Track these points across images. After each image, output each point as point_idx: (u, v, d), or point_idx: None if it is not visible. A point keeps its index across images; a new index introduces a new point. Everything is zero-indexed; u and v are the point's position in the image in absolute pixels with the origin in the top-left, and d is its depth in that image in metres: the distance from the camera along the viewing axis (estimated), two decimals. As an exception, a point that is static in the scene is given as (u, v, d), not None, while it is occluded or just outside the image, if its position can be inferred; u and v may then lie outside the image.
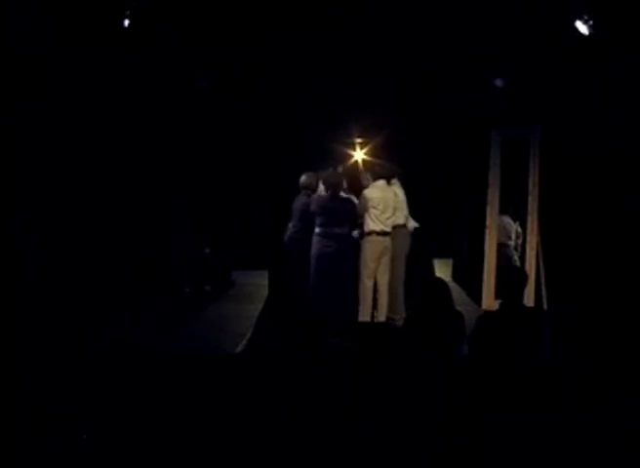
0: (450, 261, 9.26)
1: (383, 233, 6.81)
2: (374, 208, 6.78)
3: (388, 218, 6.85)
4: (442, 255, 8.81)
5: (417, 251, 7.25)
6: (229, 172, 8.02)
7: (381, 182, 6.89)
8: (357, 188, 7.08)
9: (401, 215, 7.00)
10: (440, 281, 4.61)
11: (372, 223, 6.78)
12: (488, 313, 5.79)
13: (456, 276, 8.89)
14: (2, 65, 5.47)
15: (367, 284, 6.77)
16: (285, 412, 3.06)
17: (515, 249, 7.96)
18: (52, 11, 5.81)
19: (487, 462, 3.04)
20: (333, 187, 6.76)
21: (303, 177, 7.05)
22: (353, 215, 6.79)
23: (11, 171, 5.59)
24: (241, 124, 7.77)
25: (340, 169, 7.23)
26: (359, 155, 8.13)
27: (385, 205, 6.83)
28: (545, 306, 7.06)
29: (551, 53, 6.84)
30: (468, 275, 8.22)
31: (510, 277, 4.59)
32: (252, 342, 6.30)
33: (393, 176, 7.06)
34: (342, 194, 6.86)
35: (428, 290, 4.41)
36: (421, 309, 4.33)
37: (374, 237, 6.78)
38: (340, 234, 6.63)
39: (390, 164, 7.15)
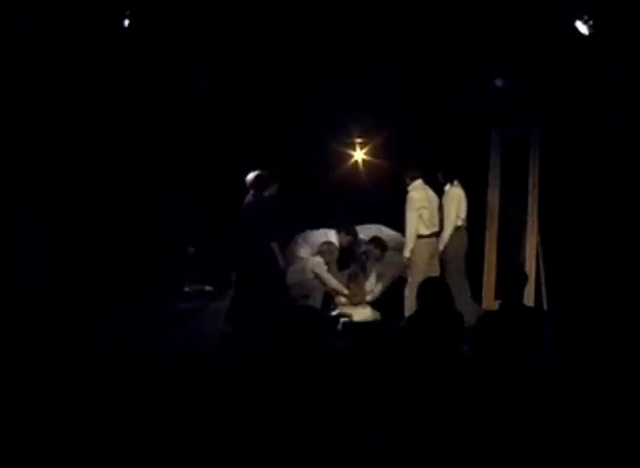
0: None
1: (433, 235, 6.76)
2: (424, 208, 6.70)
3: (437, 219, 6.81)
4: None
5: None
6: (229, 171, 8.01)
7: (420, 182, 6.81)
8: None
9: (463, 216, 6.94)
10: (440, 281, 4.62)
11: (422, 226, 6.68)
12: (488, 313, 5.80)
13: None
14: (2, 65, 5.47)
15: None
16: (285, 412, 3.06)
17: None
18: (52, 11, 5.81)
19: (487, 462, 3.04)
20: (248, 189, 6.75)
21: (249, 176, 6.85)
22: (267, 219, 6.64)
23: (11, 171, 5.59)
24: (241, 124, 7.76)
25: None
26: (359, 155, 8.12)
27: (433, 205, 6.80)
28: (545, 306, 7.06)
29: (551, 53, 6.83)
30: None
31: (510, 277, 4.59)
32: (251, 342, 6.33)
33: (451, 179, 6.97)
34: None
35: (428, 290, 4.41)
36: (422, 309, 4.34)
37: (425, 240, 6.69)
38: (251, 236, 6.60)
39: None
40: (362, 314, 7.07)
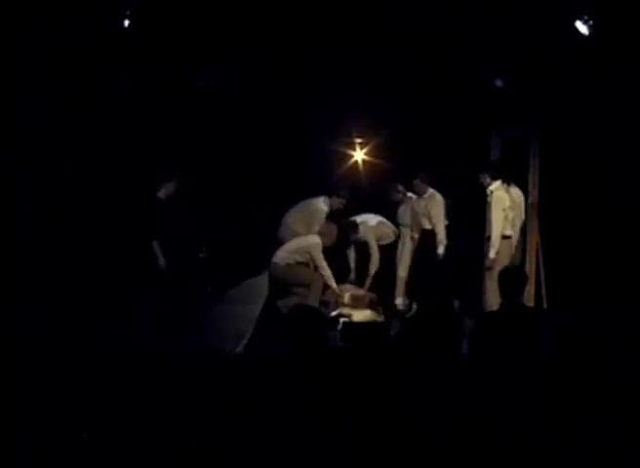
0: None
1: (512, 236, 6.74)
2: (510, 209, 6.66)
3: (519, 219, 6.82)
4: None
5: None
6: (229, 172, 8.02)
7: (500, 182, 6.75)
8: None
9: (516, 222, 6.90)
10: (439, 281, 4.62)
11: (508, 227, 6.65)
12: (488, 313, 5.80)
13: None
14: (2, 65, 5.48)
15: None
16: (285, 412, 3.07)
17: None
18: (52, 10, 5.82)
19: (487, 462, 3.05)
20: None
21: None
22: (157, 218, 6.55)
23: (11, 171, 5.60)
24: (240, 124, 7.76)
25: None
26: (359, 155, 8.12)
27: (516, 205, 6.78)
28: (545, 306, 7.06)
29: (551, 53, 6.84)
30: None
31: (510, 277, 4.58)
32: (252, 342, 6.33)
33: (509, 178, 6.93)
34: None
35: (429, 290, 4.41)
36: (422, 309, 4.34)
37: (508, 241, 6.67)
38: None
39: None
40: (362, 314, 7.06)
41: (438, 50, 7.21)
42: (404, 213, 7.65)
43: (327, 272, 7.01)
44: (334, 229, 7.17)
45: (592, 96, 6.77)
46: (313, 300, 6.86)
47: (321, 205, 7.38)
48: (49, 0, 5.88)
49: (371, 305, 7.23)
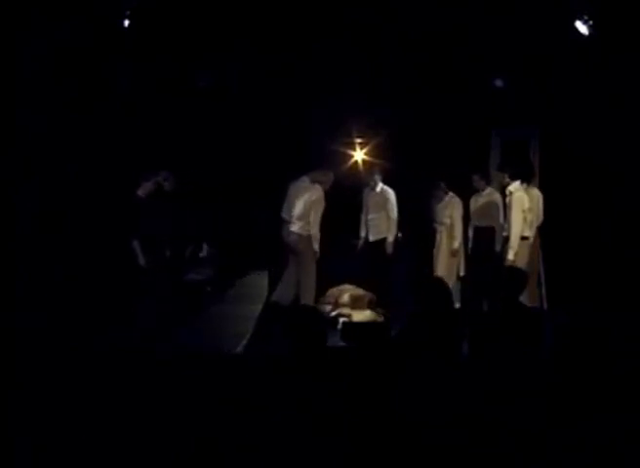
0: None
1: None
2: (530, 210, 6.67)
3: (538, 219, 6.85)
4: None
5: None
6: (229, 171, 8.02)
7: (519, 182, 6.77)
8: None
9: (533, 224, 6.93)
10: (440, 281, 4.61)
11: (526, 228, 6.66)
12: (488, 313, 5.79)
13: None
14: (2, 65, 5.48)
15: None
16: (285, 412, 3.06)
17: None
18: (52, 10, 5.82)
19: (487, 462, 3.04)
20: None
21: None
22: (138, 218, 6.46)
23: (11, 171, 5.60)
24: (240, 124, 7.76)
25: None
26: (359, 155, 8.12)
27: (535, 206, 6.80)
28: (545, 306, 7.06)
29: (551, 53, 6.84)
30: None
31: (510, 277, 4.58)
32: (252, 342, 6.33)
33: (531, 176, 6.97)
34: None
35: (428, 290, 4.41)
36: (422, 309, 4.34)
37: (527, 241, 6.69)
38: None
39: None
40: (362, 314, 7.06)
41: (438, 50, 7.21)
42: (442, 211, 7.64)
43: (315, 230, 7.01)
44: (330, 175, 7.21)
45: (592, 96, 6.77)
46: (308, 299, 6.87)
47: (304, 184, 7.34)
48: (49, 0, 5.87)
49: (370, 305, 7.24)
